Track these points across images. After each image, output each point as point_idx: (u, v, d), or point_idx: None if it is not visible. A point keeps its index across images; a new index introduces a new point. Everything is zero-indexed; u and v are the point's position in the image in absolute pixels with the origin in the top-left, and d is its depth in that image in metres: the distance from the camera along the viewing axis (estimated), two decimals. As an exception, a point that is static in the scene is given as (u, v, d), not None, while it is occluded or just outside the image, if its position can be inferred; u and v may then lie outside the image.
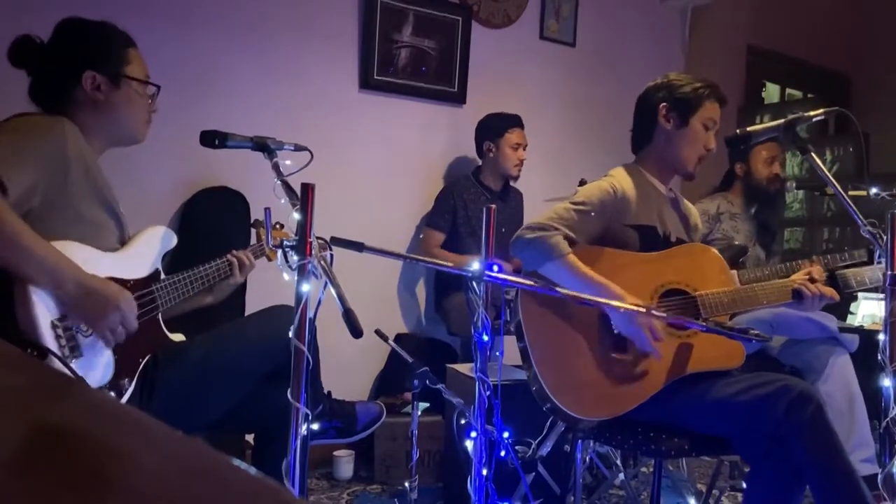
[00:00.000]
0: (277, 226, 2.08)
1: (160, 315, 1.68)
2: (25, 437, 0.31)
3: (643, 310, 1.58)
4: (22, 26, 1.68)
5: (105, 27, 1.68)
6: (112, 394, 1.51)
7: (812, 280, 1.93)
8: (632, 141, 2.09)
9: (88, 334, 1.50)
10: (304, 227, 1.24)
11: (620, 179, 1.96)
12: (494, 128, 3.32)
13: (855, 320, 3.17)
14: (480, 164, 3.39)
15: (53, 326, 1.43)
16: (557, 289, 1.48)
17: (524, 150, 3.34)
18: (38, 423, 0.33)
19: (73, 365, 1.42)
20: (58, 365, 1.35)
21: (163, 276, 1.72)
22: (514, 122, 3.33)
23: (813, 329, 2.59)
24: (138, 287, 1.61)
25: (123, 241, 1.69)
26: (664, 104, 1.98)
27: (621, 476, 2.33)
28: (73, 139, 1.56)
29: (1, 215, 1.36)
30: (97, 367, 1.50)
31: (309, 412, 1.25)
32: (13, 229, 1.37)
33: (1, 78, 1.69)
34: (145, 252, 1.70)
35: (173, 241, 1.79)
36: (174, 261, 1.82)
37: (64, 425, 0.33)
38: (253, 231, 2.17)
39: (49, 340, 1.41)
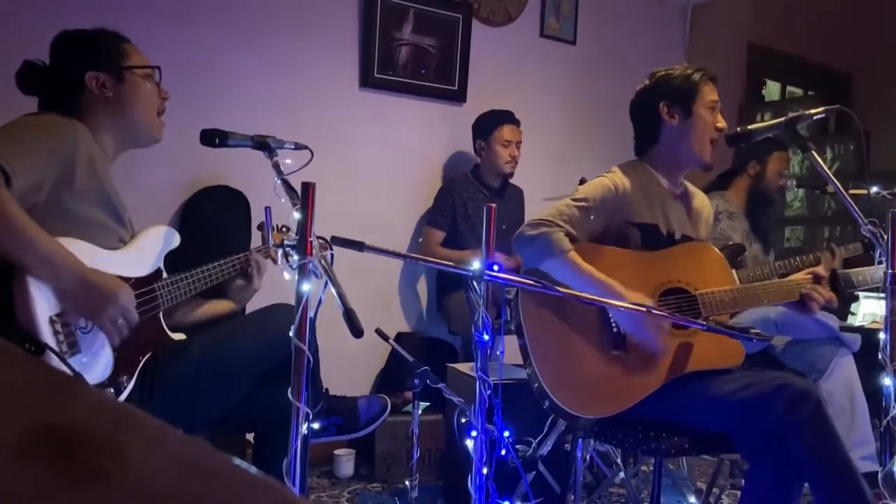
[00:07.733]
0: (283, 228, 2.07)
1: (161, 314, 1.69)
2: (25, 435, 0.31)
3: (643, 309, 1.58)
4: (22, 26, 1.68)
5: (98, 31, 1.71)
6: (111, 391, 1.51)
7: (817, 278, 1.92)
8: (636, 146, 2.06)
9: (87, 331, 1.50)
10: (304, 227, 1.24)
11: (622, 176, 1.95)
12: (484, 125, 3.30)
13: (856, 320, 3.17)
14: (479, 162, 3.39)
15: (52, 322, 1.43)
16: (558, 288, 1.48)
17: (517, 146, 3.31)
18: (38, 421, 0.33)
19: (70, 361, 1.42)
20: (55, 361, 1.35)
21: (165, 275, 1.72)
22: (505, 118, 3.30)
23: (818, 329, 2.58)
24: (140, 285, 1.62)
25: None
26: (663, 101, 1.96)
27: (622, 475, 2.33)
28: (83, 141, 1.57)
29: (4, 205, 1.36)
30: (95, 364, 1.50)
31: (310, 411, 1.25)
32: (17, 219, 1.38)
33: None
34: (147, 251, 1.70)
35: (176, 240, 1.79)
36: (174, 259, 1.82)
37: (64, 423, 0.33)
38: (259, 234, 2.16)
39: (47, 336, 1.40)
